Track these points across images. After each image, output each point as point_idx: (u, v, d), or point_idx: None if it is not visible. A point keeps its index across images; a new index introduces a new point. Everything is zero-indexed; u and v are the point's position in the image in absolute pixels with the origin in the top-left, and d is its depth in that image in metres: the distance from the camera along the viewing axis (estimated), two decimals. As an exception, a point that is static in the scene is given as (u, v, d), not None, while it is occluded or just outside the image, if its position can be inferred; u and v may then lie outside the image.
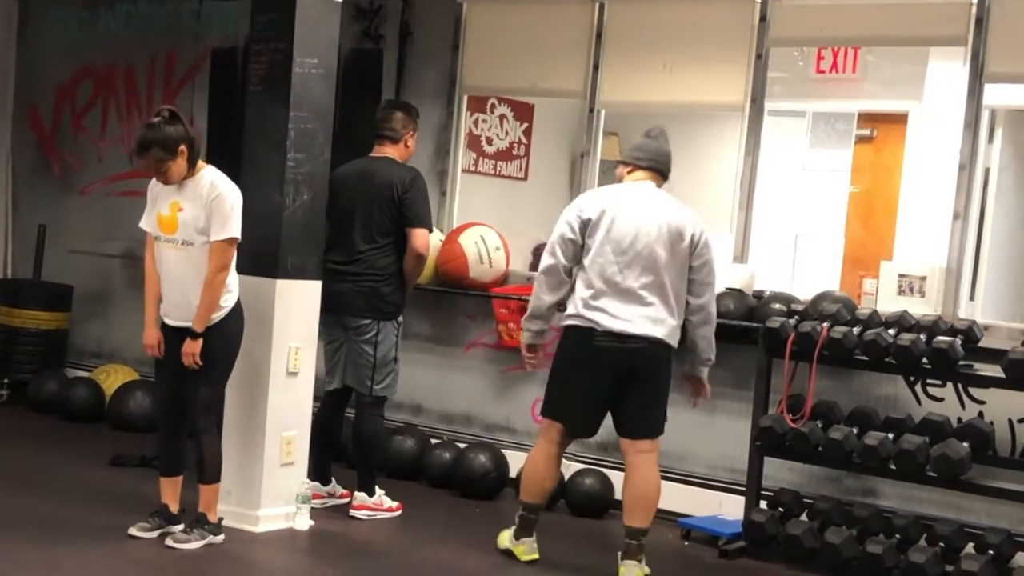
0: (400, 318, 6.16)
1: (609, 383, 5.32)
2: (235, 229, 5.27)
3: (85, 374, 8.35)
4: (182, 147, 5.21)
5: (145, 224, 5.44)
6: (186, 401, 5.38)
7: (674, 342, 5.32)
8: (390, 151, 6.21)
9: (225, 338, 5.39)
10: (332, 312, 6.01)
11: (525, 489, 5.55)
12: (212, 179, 5.30)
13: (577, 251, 5.37)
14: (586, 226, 5.35)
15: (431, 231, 6.22)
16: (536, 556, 5.52)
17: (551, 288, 5.42)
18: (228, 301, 5.37)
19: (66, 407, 7.91)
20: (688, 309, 5.35)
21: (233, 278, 5.40)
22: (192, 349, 5.27)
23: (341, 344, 6.14)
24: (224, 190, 5.28)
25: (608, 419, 5.46)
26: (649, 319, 5.25)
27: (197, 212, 5.26)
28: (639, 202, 5.36)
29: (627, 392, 5.31)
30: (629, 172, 5.51)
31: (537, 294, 5.48)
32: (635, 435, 5.35)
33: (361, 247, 6.07)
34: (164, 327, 5.41)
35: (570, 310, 5.37)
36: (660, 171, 5.48)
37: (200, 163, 5.35)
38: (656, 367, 5.30)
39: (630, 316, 5.25)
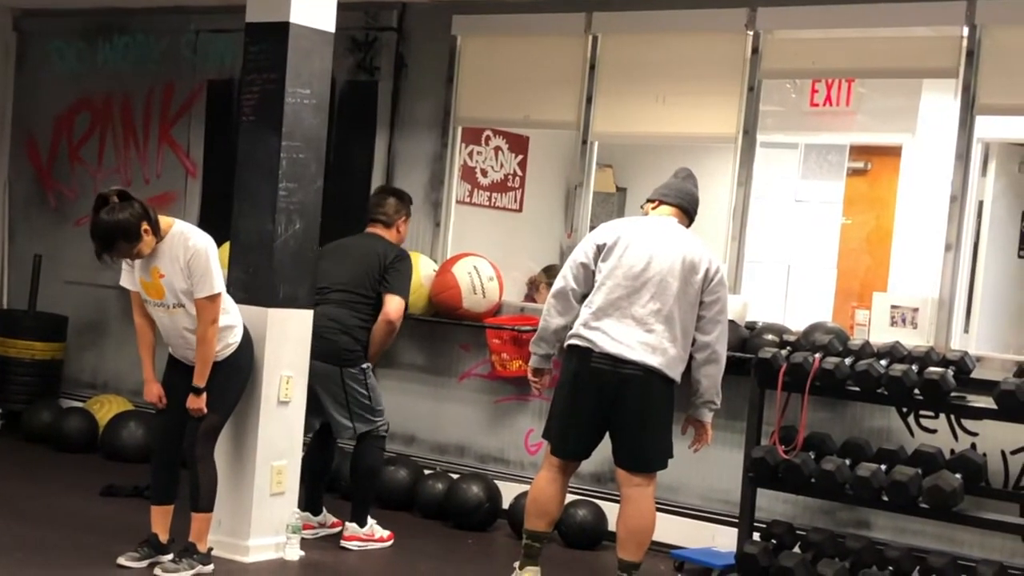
0: (365, 365, 6.16)
1: (601, 405, 5.27)
2: (217, 284, 5.25)
3: (79, 404, 8.34)
4: (144, 226, 5.14)
5: (127, 283, 5.41)
6: (184, 430, 5.38)
7: (674, 374, 5.27)
8: (382, 233, 6.34)
9: (233, 371, 5.42)
10: None
11: (528, 515, 5.44)
12: (184, 237, 5.25)
13: (589, 276, 5.35)
14: (600, 251, 5.34)
15: (407, 306, 6.27)
16: None
17: (558, 312, 5.41)
18: (235, 336, 5.42)
19: (59, 437, 7.90)
20: (694, 346, 5.31)
21: (235, 314, 5.44)
22: (197, 405, 5.29)
23: (314, 393, 6.08)
24: (197, 246, 5.22)
25: (604, 449, 5.43)
26: (648, 346, 5.21)
27: (178, 275, 5.23)
28: (657, 232, 5.35)
29: (621, 419, 5.27)
30: (654, 207, 5.51)
31: (545, 316, 5.47)
32: (630, 468, 5.30)
33: (335, 298, 6.12)
34: (169, 359, 5.45)
35: (573, 330, 5.36)
36: (685, 210, 5.48)
37: (164, 223, 5.26)
38: (650, 396, 5.24)
39: (629, 341, 5.21)
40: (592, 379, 5.26)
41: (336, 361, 6.07)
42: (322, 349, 5.97)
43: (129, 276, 5.38)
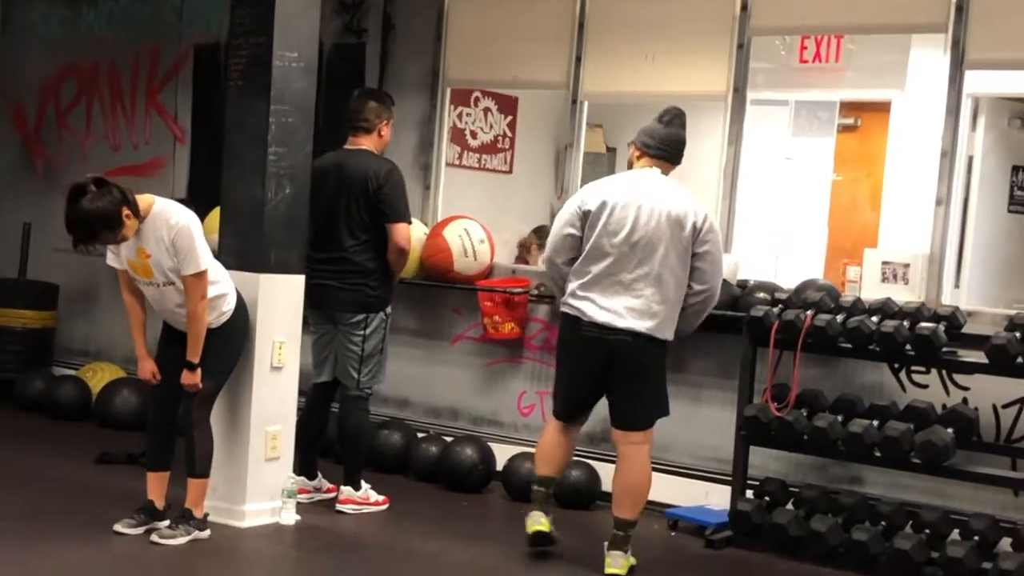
0: (388, 309, 6.17)
1: (594, 371, 5.33)
2: (204, 260, 5.21)
3: (72, 372, 8.34)
4: (124, 211, 5.05)
5: (113, 263, 5.37)
6: (180, 397, 5.37)
7: (665, 335, 5.31)
8: (365, 142, 6.17)
9: (228, 337, 5.42)
10: (320, 308, 6.02)
11: (537, 461, 5.59)
12: (165, 215, 5.17)
13: (576, 243, 5.40)
14: (586, 217, 5.36)
15: (410, 223, 6.21)
16: (542, 528, 5.40)
17: (553, 280, 5.57)
18: (229, 304, 5.41)
19: (53, 406, 7.90)
20: (690, 293, 5.34)
21: (226, 281, 5.42)
22: (192, 380, 5.28)
23: (332, 338, 6.13)
24: (180, 223, 5.16)
25: (596, 410, 5.50)
26: (636, 312, 5.24)
27: (164, 254, 5.18)
28: (641, 193, 5.33)
29: (615, 382, 5.33)
30: (638, 158, 5.50)
31: (551, 285, 5.75)
32: (626, 427, 5.36)
33: (344, 244, 6.06)
34: (163, 328, 5.46)
35: (565, 297, 5.42)
36: (669, 159, 5.47)
37: (144, 202, 5.17)
38: (641, 360, 5.29)
39: (617, 308, 5.25)
40: (583, 346, 5.33)
41: (363, 309, 6.04)
42: (345, 299, 5.99)
43: (115, 256, 5.35)
